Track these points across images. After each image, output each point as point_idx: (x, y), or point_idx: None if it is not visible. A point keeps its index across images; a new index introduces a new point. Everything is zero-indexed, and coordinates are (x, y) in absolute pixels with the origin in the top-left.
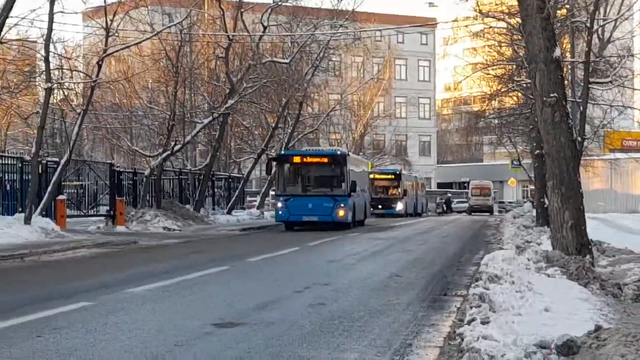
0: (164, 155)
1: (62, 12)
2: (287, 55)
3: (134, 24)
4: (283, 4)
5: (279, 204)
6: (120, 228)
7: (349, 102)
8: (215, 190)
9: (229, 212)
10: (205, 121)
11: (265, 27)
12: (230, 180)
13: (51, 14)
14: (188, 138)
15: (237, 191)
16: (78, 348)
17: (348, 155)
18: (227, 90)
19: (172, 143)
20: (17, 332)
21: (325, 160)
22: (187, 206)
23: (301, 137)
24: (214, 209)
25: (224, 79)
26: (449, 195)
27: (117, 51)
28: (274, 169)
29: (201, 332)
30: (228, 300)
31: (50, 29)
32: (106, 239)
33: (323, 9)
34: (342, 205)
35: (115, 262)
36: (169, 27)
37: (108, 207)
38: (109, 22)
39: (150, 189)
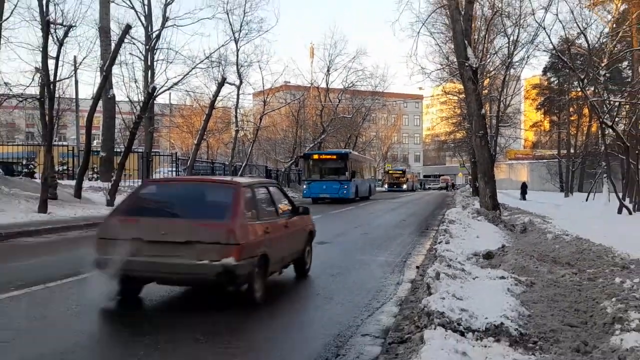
0: (290, 162)
1: (243, 93)
2: (350, 112)
3: (277, 98)
4: (348, 88)
5: (304, 186)
6: None
7: (380, 135)
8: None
9: None
10: (311, 145)
11: (339, 100)
12: None
13: (237, 95)
14: (301, 154)
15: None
16: None
17: (350, 153)
18: (322, 130)
19: (295, 156)
20: None
21: (334, 157)
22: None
23: None
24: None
25: (319, 125)
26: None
27: (269, 112)
28: (302, 164)
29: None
30: (320, 232)
31: (237, 102)
32: None
33: (368, 91)
34: (345, 186)
35: None
36: (295, 101)
37: None
38: (265, 97)
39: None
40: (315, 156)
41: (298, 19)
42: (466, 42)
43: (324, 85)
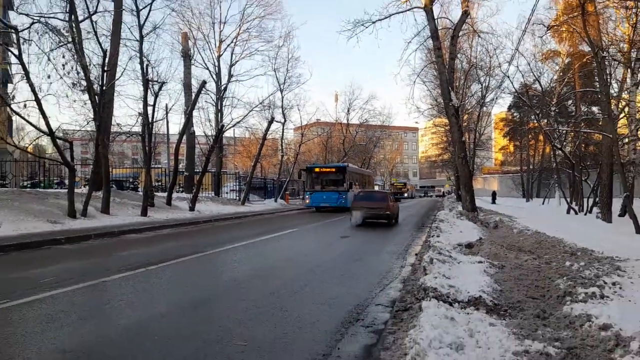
0: None
1: (287, 128)
2: (365, 140)
3: (311, 132)
4: (363, 123)
5: (307, 196)
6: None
7: (387, 157)
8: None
9: None
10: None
11: (357, 132)
12: None
13: (282, 130)
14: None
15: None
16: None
17: (347, 166)
18: (344, 154)
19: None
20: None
21: (333, 170)
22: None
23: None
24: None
25: (342, 150)
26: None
27: (305, 142)
28: (304, 176)
29: (335, 238)
30: (343, 228)
31: (282, 135)
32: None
33: (378, 125)
34: (344, 196)
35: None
36: (324, 133)
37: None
38: (303, 131)
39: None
40: (317, 169)
41: (326, 73)
42: (450, 88)
43: (345, 121)
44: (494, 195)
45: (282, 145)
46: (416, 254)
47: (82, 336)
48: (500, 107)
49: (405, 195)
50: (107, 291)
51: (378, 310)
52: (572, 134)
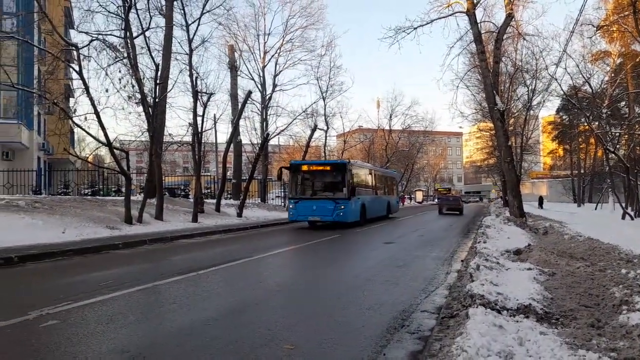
0: None
1: (329, 135)
2: (407, 146)
3: (353, 138)
4: (406, 129)
5: (290, 206)
6: None
7: (431, 163)
8: None
9: None
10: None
11: (399, 138)
12: None
13: (325, 137)
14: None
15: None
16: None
17: (348, 163)
18: (386, 160)
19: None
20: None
21: (328, 168)
22: None
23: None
24: None
25: (385, 156)
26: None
27: (348, 148)
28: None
29: (379, 244)
30: (385, 235)
31: (325, 142)
32: None
33: (421, 130)
34: (342, 206)
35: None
36: (366, 140)
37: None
38: (345, 138)
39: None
40: (304, 167)
41: (367, 80)
42: (494, 91)
43: (387, 127)
44: (540, 200)
45: (325, 153)
46: (462, 260)
47: (139, 337)
48: (548, 110)
49: (436, 201)
50: (161, 294)
51: (423, 316)
52: (626, 136)
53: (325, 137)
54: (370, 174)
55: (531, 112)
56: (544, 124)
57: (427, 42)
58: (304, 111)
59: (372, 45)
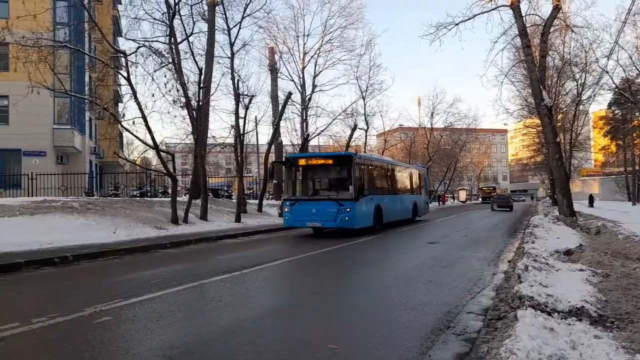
0: None
1: (369, 135)
2: (450, 145)
3: (394, 137)
4: (448, 127)
5: (285, 209)
6: None
7: (474, 161)
8: None
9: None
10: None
11: (441, 136)
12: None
13: (365, 137)
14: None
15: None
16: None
17: (354, 155)
18: (428, 159)
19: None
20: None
21: (330, 161)
22: None
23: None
24: None
25: (427, 155)
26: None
27: (389, 147)
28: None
29: (420, 244)
30: (429, 234)
31: (365, 141)
32: None
33: (464, 128)
34: (348, 209)
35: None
36: (407, 139)
37: None
38: (386, 137)
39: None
40: (302, 161)
41: (408, 78)
42: (541, 87)
43: (429, 125)
44: (590, 198)
45: (365, 153)
46: (509, 261)
47: (187, 334)
48: (599, 105)
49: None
50: (207, 292)
51: (469, 318)
52: None
53: (366, 136)
54: (388, 169)
55: (581, 107)
56: (595, 119)
57: (469, 38)
58: (343, 111)
59: (412, 43)
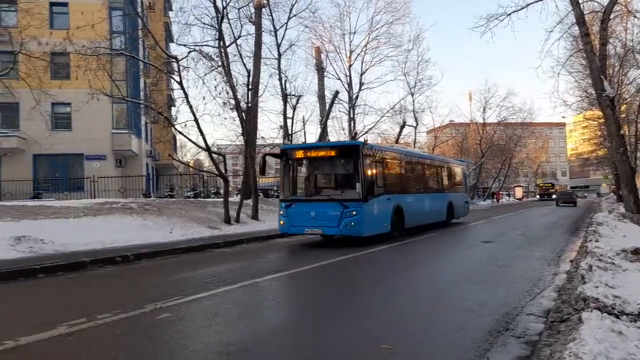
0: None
1: (419, 131)
2: (504, 140)
3: (444, 133)
4: (501, 121)
5: (280, 212)
6: None
7: (531, 156)
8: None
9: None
10: (472, 167)
11: (495, 131)
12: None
13: (415, 133)
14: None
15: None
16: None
17: (363, 145)
18: (481, 155)
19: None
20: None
21: (333, 152)
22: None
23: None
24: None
25: (479, 151)
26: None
27: (439, 144)
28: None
29: (474, 243)
30: (484, 233)
31: (415, 138)
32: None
33: (518, 122)
34: (354, 212)
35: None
36: (459, 134)
37: None
38: (436, 133)
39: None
40: (299, 152)
41: (458, 72)
42: (602, 76)
43: (481, 120)
44: None
45: (415, 149)
46: (571, 261)
47: (241, 331)
48: None
49: (554, 196)
50: (260, 291)
51: (530, 320)
52: None
53: (415, 133)
54: (412, 162)
55: None
56: None
57: (522, 28)
58: (391, 108)
59: (461, 36)
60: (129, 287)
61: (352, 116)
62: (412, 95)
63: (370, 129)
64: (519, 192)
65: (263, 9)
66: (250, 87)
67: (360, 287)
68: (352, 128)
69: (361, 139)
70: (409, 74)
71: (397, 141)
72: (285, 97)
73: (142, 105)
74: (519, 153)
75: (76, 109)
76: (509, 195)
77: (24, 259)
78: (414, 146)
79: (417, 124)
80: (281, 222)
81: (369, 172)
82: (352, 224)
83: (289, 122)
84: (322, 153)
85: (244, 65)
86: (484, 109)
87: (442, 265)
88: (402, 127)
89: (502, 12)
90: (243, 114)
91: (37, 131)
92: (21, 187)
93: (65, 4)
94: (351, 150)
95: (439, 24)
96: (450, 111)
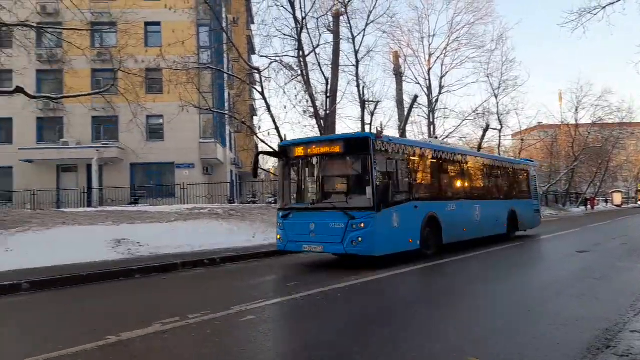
0: (547, 186)
1: (504, 135)
2: (600, 142)
3: (531, 136)
4: (597, 122)
5: (278, 223)
6: None
7: (631, 159)
8: None
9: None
10: (564, 172)
11: (589, 133)
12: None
13: (499, 137)
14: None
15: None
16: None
17: (375, 139)
18: (574, 159)
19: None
20: None
21: (337, 148)
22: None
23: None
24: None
25: (572, 155)
26: None
27: (526, 147)
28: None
29: (569, 253)
30: (583, 241)
31: (499, 142)
32: None
33: (616, 123)
34: (362, 224)
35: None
36: (548, 137)
37: None
38: (522, 137)
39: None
40: (299, 150)
41: (546, 71)
42: None
43: (573, 122)
44: None
45: (499, 154)
46: None
47: (329, 334)
48: None
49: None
50: (338, 297)
51: (634, 337)
52: None
53: (499, 136)
54: (450, 160)
55: None
56: None
57: (620, 21)
58: (474, 111)
59: (550, 33)
60: (216, 289)
61: (431, 120)
62: (496, 97)
63: (451, 133)
64: (617, 198)
65: (341, 17)
66: (328, 94)
67: (436, 293)
68: (432, 132)
69: (374, 131)
70: (492, 75)
71: (480, 146)
72: (363, 103)
73: (226, 116)
74: (618, 156)
75: (168, 120)
76: (605, 201)
77: (123, 260)
78: (499, 150)
79: (501, 127)
80: (278, 237)
81: (385, 173)
82: (360, 239)
83: (367, 128)
84: (324, 149)
85: (323, 73)
86: (577, 109)
87: (536, 276)
88: (486, 130)
89: (595, 6)
90: (322, 121)
91: (134, 142)
92: (120, 193)
93: (158, 24)
94: (359, 145)
95: (525, 22)
96: (539, 112)
